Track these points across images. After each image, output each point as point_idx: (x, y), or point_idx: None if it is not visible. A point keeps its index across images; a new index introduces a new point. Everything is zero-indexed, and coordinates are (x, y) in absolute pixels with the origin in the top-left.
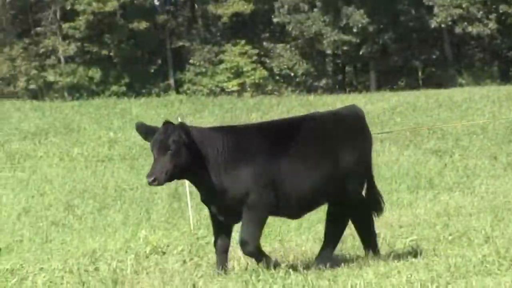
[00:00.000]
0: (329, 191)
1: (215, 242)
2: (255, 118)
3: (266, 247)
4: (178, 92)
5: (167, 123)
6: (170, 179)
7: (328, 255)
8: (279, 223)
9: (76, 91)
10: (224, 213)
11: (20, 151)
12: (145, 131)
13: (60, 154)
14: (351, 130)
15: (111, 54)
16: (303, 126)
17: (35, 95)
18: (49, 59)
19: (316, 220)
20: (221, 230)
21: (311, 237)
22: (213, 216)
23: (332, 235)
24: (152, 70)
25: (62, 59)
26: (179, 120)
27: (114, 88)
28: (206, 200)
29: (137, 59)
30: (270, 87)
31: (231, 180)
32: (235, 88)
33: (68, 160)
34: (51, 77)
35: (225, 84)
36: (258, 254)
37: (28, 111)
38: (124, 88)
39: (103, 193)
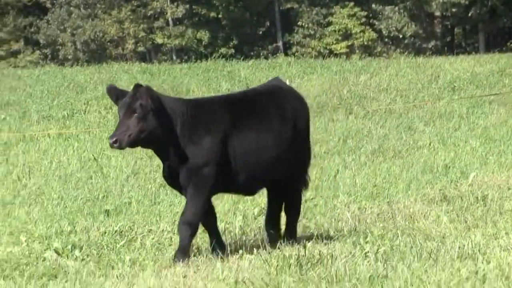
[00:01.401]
0: (283, 163)
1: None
2: (363, 80)
3: (374, 209)
4: (286, 55)
5: (137, 87)
6: (133, 143)
7: (293, 227)
8: (387, 185)
9: (185, 53)
10: (180, 188)
11: None
12: (116, 94)
13: None
14: (295, 101)
15: (220, 16)
16: (258, 100)
17: (143, 57)
18: (157, 21)
19: (424, 181)
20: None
21: (419, 199)
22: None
23: (291, 208)
24: (261, 32)
25: (171, 21)
26: (288, 82)
27: (223, 50)
28: (166, 174)
29: (245, 21)
30: (378, 49)
31: (190, 153)
32: (344, 50)
33: None
34: (159, 40)
35: (334, 46)
36: (189, 235)
37: (137, 73)
38: (232, 50)
39: None
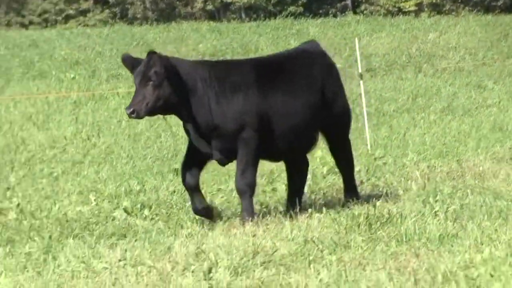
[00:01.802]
0: (318, 128)
1: (183, 180)
2: (432, 38)
3: (443, 167)
4: (355, 13)
5: (150, 54)
6: (151, 112)
7: (353, 185)
8: (456, 144)
9: (253, 11)
10: (219, 154)
11: None
12: (131, 63)
13: None
14: (326, 64)
15: None
16: (289, 63)
17: (212, 16)
18: None
19: (494, 140)
20: (192, 167)
21: (488, 157)
22: (189, 153)
23: (345, 168)
24: None
25: None
26: (357, 42)
27: (291, 8)
28: (195, 140)
29: None
30: (447, 7)
31: (224, 113)
32: (412, 8)
33: None
34: None
35: (402, 4)
36: (250, 193)
37: (206, 32)
38: (301, 9)
39: None
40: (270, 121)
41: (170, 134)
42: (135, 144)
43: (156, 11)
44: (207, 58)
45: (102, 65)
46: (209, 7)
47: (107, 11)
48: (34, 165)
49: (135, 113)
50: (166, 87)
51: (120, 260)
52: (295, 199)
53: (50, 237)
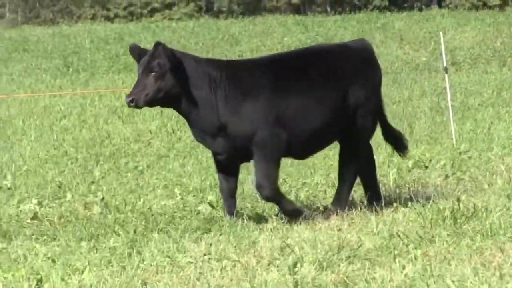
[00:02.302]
0: (339, 129)
1: (220, 186)
2: None
3: None
4: (440, 6)
5: (157, 45)
6: (150, 102)
7: (344, 197)
8: None
9: (339, 5)
10: (222, 152)
11: None
12: (138, 53)
13: None
14: (360, 65)
15: None
16: (309, 60)
17: (298, 9)
18: None
19: None
20: (226, 172)
21: None
22: (215, 156)
23: (346, 177)
24: None
25: None
26: (441, 36)
27: (376, 2)
28: (199, 137)
29: None
30: None
31: (234, 115)
32: (497, 2)
33: None
34: None
35: None
36: (278, 198)
37: (291, 25)
38: (386, 3)
39: None
40: (285, 120)
41: None
42: None
43: (242, 5)
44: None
45: None
46: (295, 0)
47: (192, 4)
48: (119, 159)
49: (134, 102)
50: (168, 79)
51: (205, 255)
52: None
53: (134, 231)
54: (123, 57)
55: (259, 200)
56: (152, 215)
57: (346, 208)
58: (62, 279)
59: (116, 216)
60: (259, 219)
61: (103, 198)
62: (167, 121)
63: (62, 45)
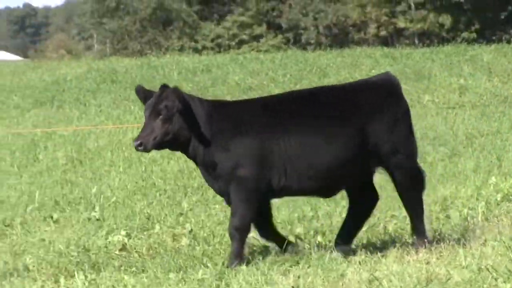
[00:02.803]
0: (362, 164)
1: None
2: None
3: None
4: None
5: (163, 87)
6: (158, 146)
7: (420, 228)
8: None
9: (426, 37)
10: (219, 191)
11: None
12: (144, 95)
13: (411, 100)
14: (379, 99)
15: (461, 0)
16: (316, 99)
17: (385, 41)
18: (399, 5)
19: None
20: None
21: None
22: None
23: (408, 209)
24: (503, 17)
25: (412, 6)
26: None
27: (465, 34)
28: (203, 177)
29: (487, 5)
30: None
31: (220, 152)
32: None
33: (419, 107)
34: (401, 24)
35: None
36: (240, 240)
37: (379, 57)
38: (474, 35)
39: (453, 140)
40: (285, 159)
41: None
42: None
43: (330, 37)
44: None
45: (275, 90)
46: (382, 33)
47: (280, 36)
48: (206, 191)
49: (142, 146)
50: (176, 122)
51: (293, 287)
52: (349, 234)
53: (223, 263)
54: (211, 88)
55: None
56: None
57: (431, 240)
58: None
59: (205, 248)
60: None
61: (191, 230)
62: None
63: (150, 76)
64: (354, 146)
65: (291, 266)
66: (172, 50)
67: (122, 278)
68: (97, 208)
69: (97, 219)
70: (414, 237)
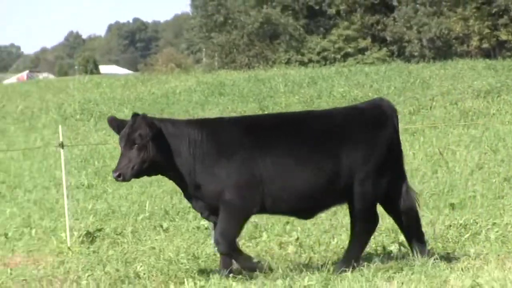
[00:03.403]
0: (337, 191)
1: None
2: None
3: None
4: None
5: (135, 116)
6: (137, 174)
7: (352, 257)
8: None
9: None
10: (204, 211)
11: (473, 109)
12: (117, 125)
13: None
14: (361, 128)
15: None
16: (298, 123)
17: (488, 53)
18: (502, 18)
19: None
20: None
21: None
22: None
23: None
24: None
25: None
26: None
27: None
28: (186, 197)
29: None
30: None
31: (206, 175)
32: None
33: None
34: (503, 36)
35: None
36: (234, 254)
37: (481, 69)
38: None
39: None
40: (263, 180)
41: (446, 170)
42: (412, 179)
43: (433, 49)
44: (482, 95)
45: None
46: (485, 45)
47: (384, 49)
48: None
49: (121, 177)
50: (151, 149)
51: None
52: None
53: (328, 270)
54: (316, 100)
55: (450, 240)
56: None
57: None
58: None
59: (311, 255)
60: (450, 258)
61: (297, 238)
62: None
63: (257, 88)
64: (327, 171)
65: (395, 273)
66: (279, 63)
67: (231, 285)
68: None
69: (206, 228)
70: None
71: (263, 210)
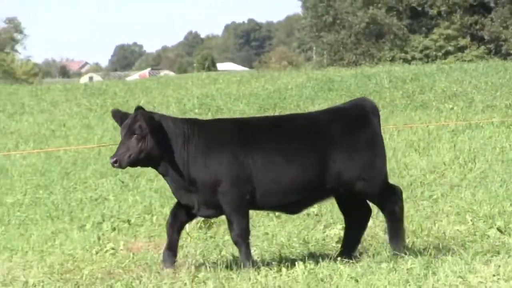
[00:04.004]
0: (323, 186)
1: (167, 222)
2: None
3: None
4: None
5: (138, 109)
6: (132, 163)
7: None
8: None
9: None
10: (195, 205)
11: None
12: (120, 117)
13: None
14: (345, 127)
15: None
16: (286, 124)
17: None
18: None
19: None
20: (183, 211)
21: None
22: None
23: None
24: None
25: None
26: None
27: None
28: (177, 193)
29: None
30: None
31: (199, 169)
32: None
33: None
34: None
35: None
36: (244, 245)
37: None
38: None
39: None
40: (252, 178)
41: None
42: (508, 168)
43: None
44: None
45: (478, 96)
46: None
47: (482, 47)
48: (415, 188)
49: (117, 163)
50: (149, 141)
51: (494, 275)
52: (349, 248)
53: (430, 254)
54: (419, 95)
55: None
56: (446, 239)
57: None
58: None
59: (413, 239)
60: None
61: None
62: (459, 154)
63: (364, 84)
64: (313, 169)
65: (492, 256)
66: (384, 60)
67: (338, 268)
68: (315, 204)
69: (316, 215)
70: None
71: (253, 205)
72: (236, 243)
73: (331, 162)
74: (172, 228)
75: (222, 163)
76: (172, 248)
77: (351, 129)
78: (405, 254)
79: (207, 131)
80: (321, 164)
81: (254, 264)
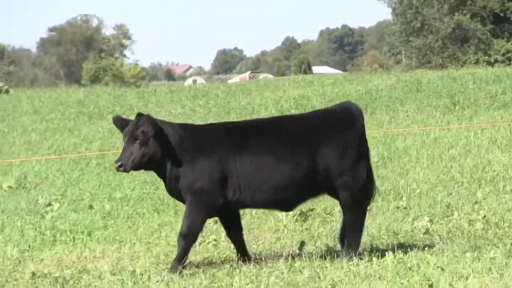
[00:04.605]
0: (312, 186)
1: (226, 233)
2: None
3: None
4: None
5: (139, 115)
6: (136, 167)
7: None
8: None
9: None
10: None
11: None
12: (121, 123)
13: None
14: (333, 128)
15: None
16: (275, 126)
17: None
18: None
19: None
20: (227, 219)
21: None
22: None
23: (351, 224)
24: None
25: None
26: None
27: None
28: (172, 193)
29: None
30: None
31: (184, 168)
32: None
33: None
34: None
35: None
36: (186, 248)
37: None
38: None
39: None
40: (239, 180)
41: None
42: None
43: None
44: None
45: None
46: None
47: None
48: (498, 183)
49: (122, 167)
50: (151, 145)
51: None
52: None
53: (511, 244)
54: (501, 96)
55: None
56: None
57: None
58: (450, 285)
59: (496, 231)
60: None
61: (484, 216)
62: None
63: (449, 86)
64: (303, 167)
65: None
66: (468, 63)
67: (426, 257)
68: (404, 198)
69: (404, 208)
70: (344, 248)
71: (244, 204)
72: (178, 242)
73: (320, 158)
74: (231, 235)
75: (203, 168)
76: (242, 252)
77: (339, 128)
78: (360, 258)
79: (197, 136)
80: (311, 162)
81: (186, 267)
